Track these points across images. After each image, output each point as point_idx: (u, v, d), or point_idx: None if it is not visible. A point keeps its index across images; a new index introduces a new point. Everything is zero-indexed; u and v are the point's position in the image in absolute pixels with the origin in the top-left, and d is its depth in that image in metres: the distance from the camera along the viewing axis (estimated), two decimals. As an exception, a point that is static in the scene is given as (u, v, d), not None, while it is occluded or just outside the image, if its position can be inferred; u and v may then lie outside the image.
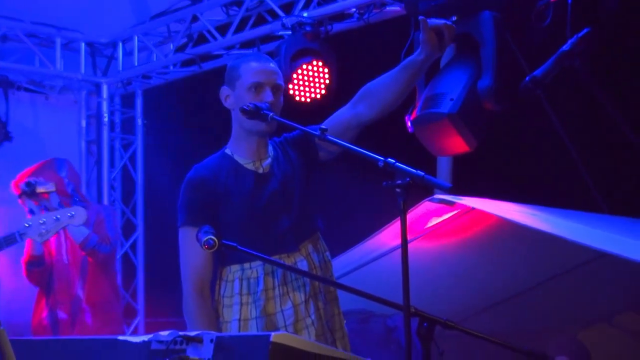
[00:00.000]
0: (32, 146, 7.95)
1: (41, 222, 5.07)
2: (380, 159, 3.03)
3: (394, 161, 3.00)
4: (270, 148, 3.77)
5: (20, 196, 5.83)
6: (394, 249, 5.33)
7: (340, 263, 5.34)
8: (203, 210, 3.61)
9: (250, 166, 3.69)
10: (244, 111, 3.50)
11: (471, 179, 6.78)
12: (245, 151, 3.71)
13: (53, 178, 5.92)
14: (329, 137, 3.34)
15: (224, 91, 3.75)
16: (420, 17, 3.51)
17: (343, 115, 3.76)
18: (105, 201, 8.08)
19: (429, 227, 5.25)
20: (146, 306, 8.20)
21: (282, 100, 3.71)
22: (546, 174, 6.43)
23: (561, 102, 5.37)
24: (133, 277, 8.24)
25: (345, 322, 3.91)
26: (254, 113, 3.49)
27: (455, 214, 5.11)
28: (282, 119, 3.52)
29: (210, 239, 3.07)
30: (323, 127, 3.37)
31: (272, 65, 3.71)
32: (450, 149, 5.36)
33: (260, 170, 3.69)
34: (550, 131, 5.46)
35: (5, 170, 7.24)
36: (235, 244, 3.18)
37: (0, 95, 7.47)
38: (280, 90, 3.68)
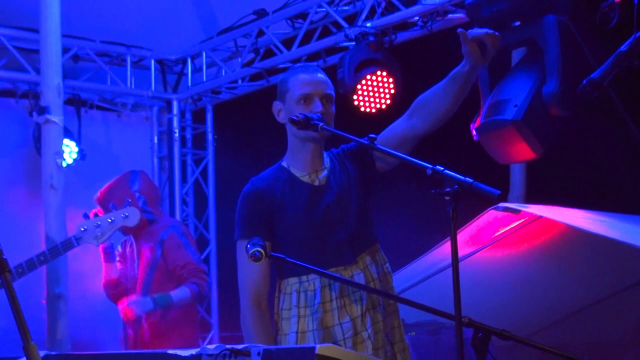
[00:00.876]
0: (105, 163, 8.06)
1: (96, 225, 5.11)
2: (429, 167, 2.97)
3: (442, 168, 2.94)
4: (326, 159, 3.73)
5: None
6: (460, 260, 5.24)
7: (405, 276, 5.28)
8: (259, 223, 3.59)
9: (305, 179, 3.67)
10: (293, 122, 3.47)
11: (546, 186, 6.65)
12: (301, 163, 3.68)
13: (126, 194, 5.92)
14: (378, 146, 3.30)
15: (276, 106, 3.74)
16: (459, 30, 3.44)
17: (398, 127, 3.70)
18: (178, 216, 8.15)
19: (495, 236, 5.15)
20: (220, 320, 8.23)
21: (334, 110, 3.67)
22: (622, 179, 6.27)
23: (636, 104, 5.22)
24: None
25: (414, 333, 3.85)
26: (304, 123, 3.46)
27: (522, 222, 5.00)
28: (332, 129, 3.48)
29: (257, 250, 3.05)
30: (372, 135, 3.33)
31: (321, 75, 3.68)
32: (516, 156, 5.25)
33: (316, 183, 3.66)
34: (627, 135, 5.31)
35: (79, 187, 7.37)
36: (283, 256, 3.15)
37: (72, 114, 7.59)
38: (330, 100, 3.65)
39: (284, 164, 3.74)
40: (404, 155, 3.22)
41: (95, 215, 5.29)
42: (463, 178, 2.87)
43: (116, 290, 5.96)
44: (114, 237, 5.45)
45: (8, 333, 4.04)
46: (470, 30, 3.43)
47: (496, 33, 3.43)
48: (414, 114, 3.66)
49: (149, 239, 5.98)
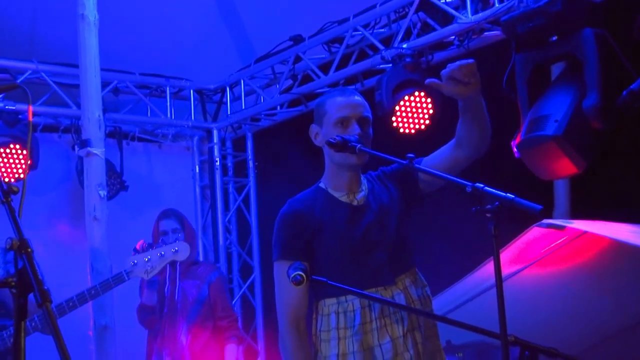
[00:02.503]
0: (148, 194, 8.15)
1: (146, 259, 5.15)
2: (469, 184, 2.94)
3: (482, 185, 2.91)
4: (364, 181, 3.72)
5: None
6: (505, 279, 5.18)
7: (449, 297, 5.24)
8: (297, 244, 3.58)
9: (344, 198, 3.65)
10: (330, 144, 3.46)
11: (591, 201, 6.56)
12: (339, 185, 3.67)
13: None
14: (417, 166, 3.28)
15: (313, 129, 3.74)
16: (427, 81, 3.46)
17: (444, 153, 3.68)
18: (221, 244, 8.19)
19: (539, 253, 5.08)
20: (266, 347, 8.21)
21: (372, 132, 3.66)
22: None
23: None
24: (252, 318, 8.30)
25: (462, 354, 3.80)
26: (341, 146, 3.44)
27: (567, 238, 4.94)
28: (369, 150, 3.47)
29: (298, 274, 3.03)
30: (411, 155, 3.31)
31: (358, 97, 3.67)
32: (559, 172, 5.21)
33: (355, 203, 3.65)
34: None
35: (122, 218, 7.43)
36: (325, 279, 3.13)
37: (114, 146, 7.67)
38: (368, 123, 3.64)
39: (322, 185, 3.73)
40: (442, 174, 3.20)
41: (142, 247, 5.35)
42: (504, 195, 2.84)
43: (149, 316, 6.24)
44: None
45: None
46: (442, 72, 3.41)
47: (470, 61, 3.39)
48: (455, 144, 3.65)
49: (193, 277, 6.30)
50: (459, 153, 3.61)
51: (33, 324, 4.67)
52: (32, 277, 2.05)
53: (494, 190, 2.88)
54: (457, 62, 3.38)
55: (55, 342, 1.98)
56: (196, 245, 6.57)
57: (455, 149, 3.63)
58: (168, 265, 6.07)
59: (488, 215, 2.85)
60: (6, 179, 6.79)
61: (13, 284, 2.09)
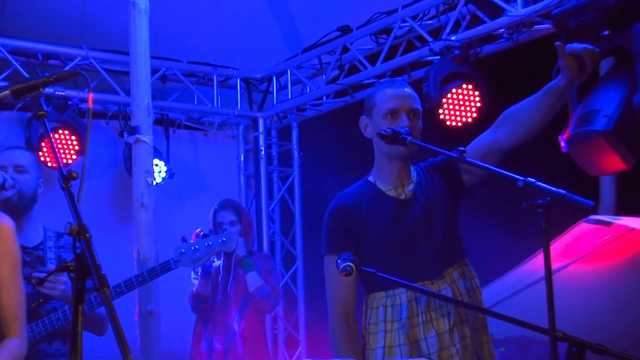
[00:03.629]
0: (193, 182, 8.19)
1: (194, 249, 5.19)
2: (520, 179, 2.93)
3: (534, 180, 2.90)
4: (414, 173, 3.73)
5: None
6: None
7: (494, 290, 5.22)
8: (346, 238, 3.60)
9: (392, 193, 3.66)
10: (382, 136, 3.47)
11: (638, 198, 6.50)
12: (388, 177, 3.69)
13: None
14: (468, 159, 3.27)
15: (363, 120, 3.75)
16: (557, 43, 3.40)
17: (483, 140, 3.69)
18: (265, 233, 8.23)
19: (586, 250, 5.06)
20: (307, 336, 8.23)
21: (422, 124, 3.66)
22: None
23: None
24: (294, 308, 8.31)
25: (504, 349, 3.79)
26: (392, 137, 3.45)
27: (613, 235, 4.91)
28: (420, 142, 3.47)
29: (348, 265, 3.05)
30: (462, 148, 3.31)
31: (407, 90, 3.68)
32: (607, 168, 5.16)
33: (402, 197, 3.65)
34: None
35: (168, 205, 7.48)
36: (374, 270, 3.14)
37: (161, 133, 7.72)
38: (417, 115, 3.64)
39: (371, 178, 3.74)
40: (495, 168, 3.19)
41: (198, 235, 5.41)
42: (556, 190, 2.83)
43: (203, 304, 6.31)
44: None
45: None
46: (568, 45, 3.39)
47: (596, 49, 3.37)
48: (501, 127, 3.64)
49: None
50: (500, 138, 3.61)
51: (99, 298, 4.68)
52: (91, 262, 2.08)
53: (545, 185, 2.86)
54: (584, 45, 3.39)
55: (112, 326, 2.01)
56: (252, 236, 6.56)
57: (497, 135, 3.62)
58: (223, 254, 6.18)
59: (539, 210, 2.84)
60: (52, 165, 6.87)
61: (72, 268, 2.13)
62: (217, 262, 6.32)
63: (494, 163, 3.52)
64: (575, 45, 3.38)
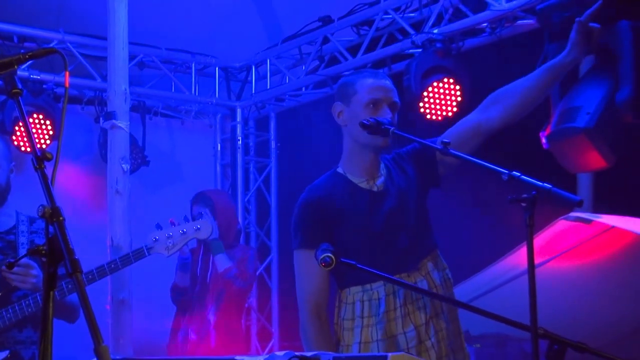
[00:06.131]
0: (169, 170, 8.12)
1: (168, 236, 5.10)
2: (505, 172, 2.90)
3: (519, 174, 2.86)
4: (382, 165, 3.67)
5: None
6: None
7: (472, 285, 5.19)
8: (319, 231, 3.53)
9: (364, 185, 3.61)
10: (364, 126, 3.41)
11: (614, 197, 6.49)
12: (358, 169, 3.63)
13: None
14: (452, 151, 3.22)
15: (338, 107, 3.68)
16: (578, 19, 3.46)
17: (470, 122, 3.65)
18: (240, 222, 8.15)
19: (565, 247, 5.03)
20: (281, 329, 8.19)
21: (397, 118, 3.62)
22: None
23: None
24: (268, 299, 8.27)
25: (479, 345, 3.76)
26: (375, 128, 3.40)
27: (593, 232, 4.88)
28: (404, 134, 3.42)
29: (327, 256, 2.98)
30: (445, 140, 3.26)
31: (389, 82, 3.64)
32: (588, 165, 5.13)
33: (375, 189, 3.61)
34: None
35: (142, 193, 7.40)
36: (354, 262, 3.08)
37: (137, 120, 7.62)
38: (396, 108, 3.61)
39: (340, 170, 3.68)
40: (480, 161, 3.13)
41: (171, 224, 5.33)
42: (541, 184, 2.79)
43: (182, 297, 6.33)
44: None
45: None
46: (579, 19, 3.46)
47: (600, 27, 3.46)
48: (492, 106, 3.62)
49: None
50: (492, 117, 3.60)
51: (70, 285, 4.60)
52: (64, 246, 2.00)
53: (531, 179, 2.82)
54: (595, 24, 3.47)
55: (84, 313, 1.94)
56: (231, 226, 6.49)
57: (488, 114, 3.60)
58: (202, 246, 6.14)
59: (523, 204, 2.79)
60: (26, 149, 6.77)
61: (43, 252, 2.05)
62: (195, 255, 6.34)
63: (478, 146, 3.54)
64: (592, 23, 3.44)
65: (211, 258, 6.23)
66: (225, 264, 6.16)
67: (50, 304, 2.03)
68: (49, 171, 2.15)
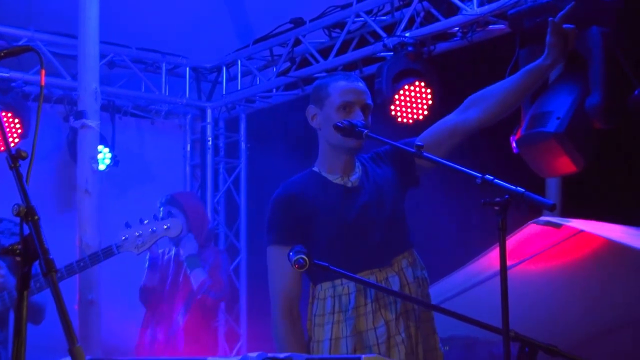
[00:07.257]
0: (138, 170, 8.07)
1: (137, 234, 5.08)
2: (479, 176, 2.91)
3: (492, 178, 2.87)
4: (357, 164, 3.69)
5: None
6: (498, 273, 5.14)
7: (443, 287, 5.20)
8: (292, 227, 3.53)
9: (338, 181, 3.62)
10: (338, 128, 3.42)
11: (582, 202, 6.55)
12: (333, 168, 3.64)
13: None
14: (426, 154, 3.23)
15: (311, 110, 3.68)
16: (551, 19, 3.41)
17: (447, 122, 3.66)
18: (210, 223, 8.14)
19: (535, 250, 5.06)
20: (249, 330, 8.17)
21: (370, 121, 3.63)
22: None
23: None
24: (236, 301, 8.23)
25: (448, 347, 3.77)
26: (349, 130, 3.41)
27: (562, 236, 4.92)
28: (377, 136, 3.42)
29: (301, 258, 2.98)
30: (419, 143, 3.27)
31: (361, 84, 3.65)
32: (558, 170, 5.18)
33: (350, 184, 3.62)
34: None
35: (112, 193, 7.35)
36: (327, 264, 3.08)
37: (107, 120, 7.57)
38: (369, 111, 3.62)
39: (315, 169, 3.70)
40: (453, 165, 3.13)
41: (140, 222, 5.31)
42: (514, 188, 2.81)
43: (151, 296, 6.27)
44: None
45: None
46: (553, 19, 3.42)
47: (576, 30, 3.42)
48: (471, 108, 3.62)
49: None
50: (470, 118, 3.59)
51: (38, 284, 4.57)
52: (38, 245, 1.99)
53: (504, 183, 2.84)
54: (569, 25, 3.41)
55: (59, 313, 1.93)
56: (203, 230, 6.46)
57: (466, 115, 3.61)
58: (174, 246, 6.14)
59: (496, 208, 2.81)
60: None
61: (18, 251, 2.03)
62: (167, 255, 6.30)
63: (455, 146, 3.55)
64: (566, 24, 3.40)
65: (183, 259, 6.20)
66: (199, 279, 6.14)
67: (24, 304, 2.02)
68: (23, 170, 2.13)
